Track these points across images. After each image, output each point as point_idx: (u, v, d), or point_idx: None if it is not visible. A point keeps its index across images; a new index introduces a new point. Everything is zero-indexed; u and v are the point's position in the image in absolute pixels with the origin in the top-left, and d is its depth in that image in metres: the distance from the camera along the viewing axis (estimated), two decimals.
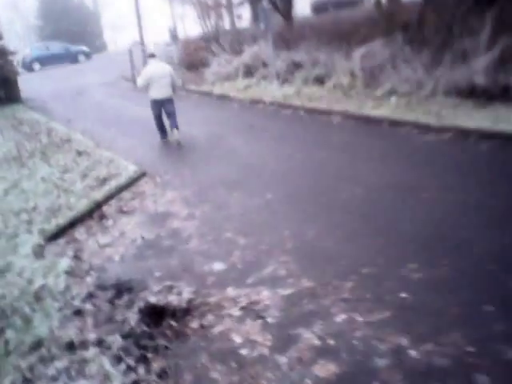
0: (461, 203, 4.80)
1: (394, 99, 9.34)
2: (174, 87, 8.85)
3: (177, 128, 8.67)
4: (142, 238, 5.14)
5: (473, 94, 8.56)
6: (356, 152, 6.94)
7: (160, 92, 8.62)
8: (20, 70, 27.50)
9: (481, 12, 9.38)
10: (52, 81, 21.16)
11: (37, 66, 27.30)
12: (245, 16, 29.34)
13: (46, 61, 27.64)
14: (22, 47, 50.13)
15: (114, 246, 5.05)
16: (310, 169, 6.53)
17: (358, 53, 12.06)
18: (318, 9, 33.03)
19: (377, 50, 11.99)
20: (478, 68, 8.61)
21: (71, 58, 28.43)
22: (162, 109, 8.77)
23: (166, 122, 8.95)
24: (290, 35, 15.70)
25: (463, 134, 6.92)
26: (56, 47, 29.06)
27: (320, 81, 11.72)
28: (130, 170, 7.40)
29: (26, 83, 20.79)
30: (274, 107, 10.56)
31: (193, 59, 16.11)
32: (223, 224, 5.17)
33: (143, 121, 10.14)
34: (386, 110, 8.73)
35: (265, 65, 13.46)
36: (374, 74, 10.85)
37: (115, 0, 53.59)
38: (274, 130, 8.85)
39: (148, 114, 9.08)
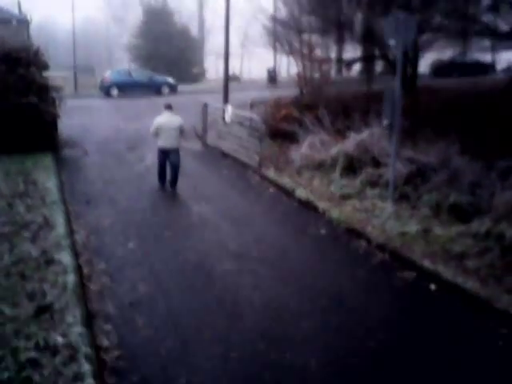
0: None
1: None
2: (181, 134, 9.32)
3: (173, 187, 9.26)
4: None
5: None
6: None
7: (166, 142, 9.10)
8: (98, 92, 25.52)
9: None
10: (117, 115, 18.35)
11: (115, 91, 24.79)
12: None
13: (126, 88, 25.07)
14: (127, 61, 49.81)
15: None
16: None
17: None
18: (438, 71, 28.44)
19: None
20: None
21: (154, 89, 25.58)
22: (167, 160, 9.19)
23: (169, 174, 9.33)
24: (413, 114, 11.39)
25: None
26: (139, 75, 26.52)
27: (461, 212, 7.39)
28: None
29: (89, 114, 18.35)
30: (382, 256, 6.35)
31: (280, 129, 12.27)
32: None
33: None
34: None
35: (375, 162, 9.32)
36: None
37: (223, 28, 51.81)
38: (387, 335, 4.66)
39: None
